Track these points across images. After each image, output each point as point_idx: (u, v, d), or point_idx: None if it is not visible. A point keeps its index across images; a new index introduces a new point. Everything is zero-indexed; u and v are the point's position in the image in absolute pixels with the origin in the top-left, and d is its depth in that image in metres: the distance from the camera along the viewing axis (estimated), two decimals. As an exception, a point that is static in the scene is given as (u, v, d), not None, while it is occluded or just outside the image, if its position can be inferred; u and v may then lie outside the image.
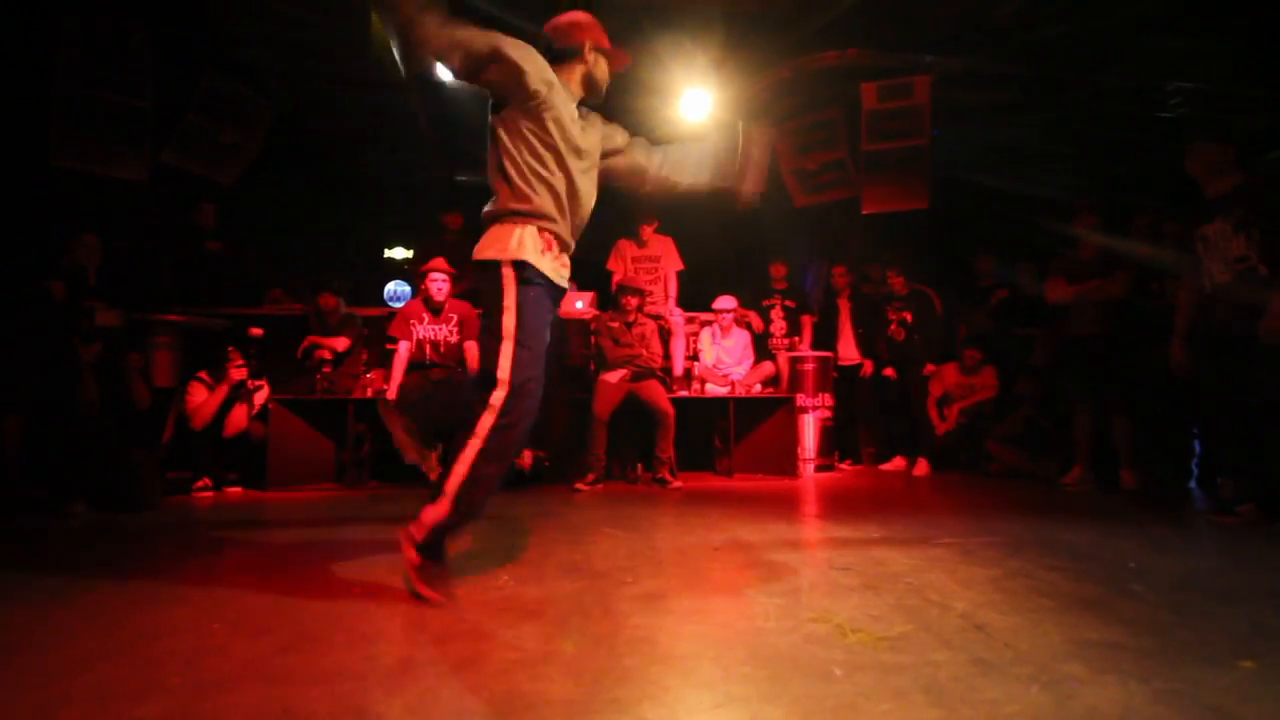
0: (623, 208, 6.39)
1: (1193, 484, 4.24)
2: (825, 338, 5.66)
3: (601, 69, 2.06)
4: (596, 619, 1.68)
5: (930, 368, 5.19)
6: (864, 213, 5.77)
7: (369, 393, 4.50)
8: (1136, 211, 4.45)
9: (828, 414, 5.27)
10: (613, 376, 4.50)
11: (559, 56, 2.00)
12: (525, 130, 1.91)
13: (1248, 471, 3.09)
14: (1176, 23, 4.48)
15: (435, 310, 4.58)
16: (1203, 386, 3.28)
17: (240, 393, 4.19)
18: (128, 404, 4.14)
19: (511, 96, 1.90)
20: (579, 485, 4.26)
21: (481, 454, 1.76)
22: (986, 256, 5.51)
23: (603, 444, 4.40)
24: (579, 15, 2.05)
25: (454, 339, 4.60)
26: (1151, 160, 5.48)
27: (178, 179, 5.28)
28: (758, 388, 5.11)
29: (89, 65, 4.68)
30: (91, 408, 3.86)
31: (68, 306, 4.08)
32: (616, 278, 5.45)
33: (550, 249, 1.93)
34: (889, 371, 5.31)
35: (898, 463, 5.23)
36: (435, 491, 1.80)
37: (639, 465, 4.80)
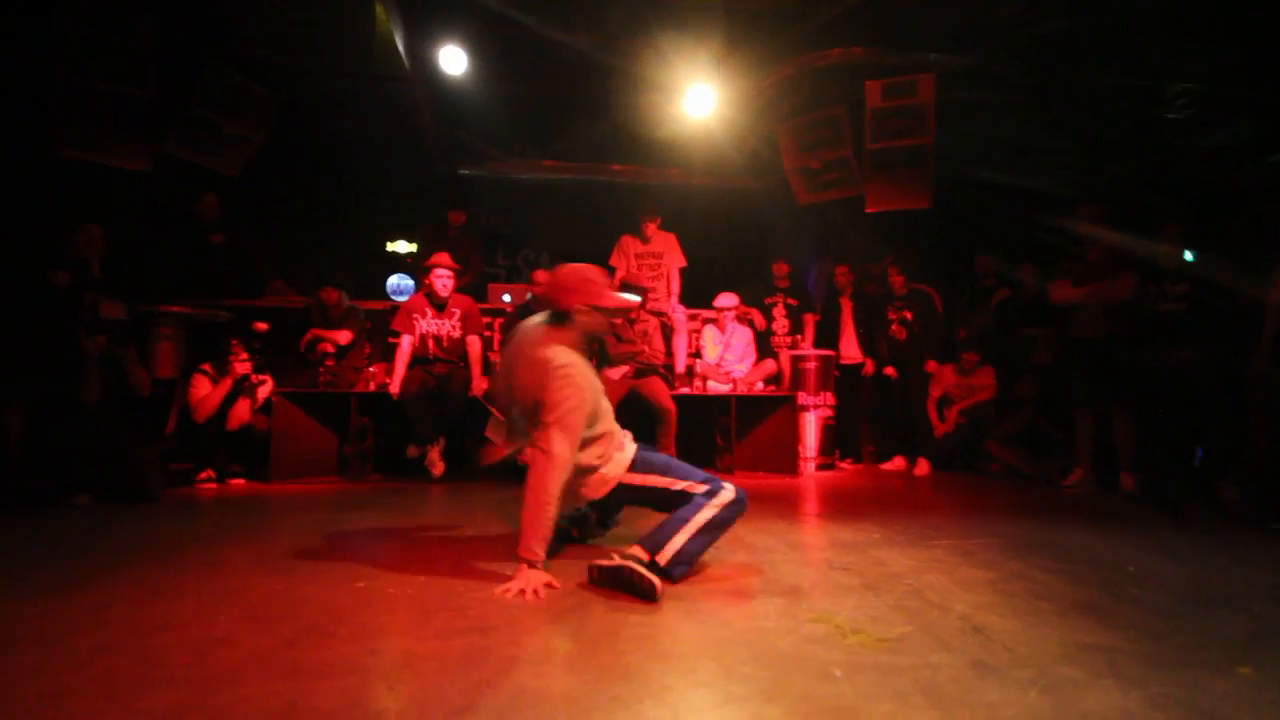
0: (625, 204, 6.40)
1: (1195, 488, 4.24)
2: (827, 336, 5.67)
3: (598, 320, 2.17)
4: (598, 616, 1.70)
5: (931, 365, 5.19)
6: (868, 211, 5.76)
7: (371, 386, 4.51)
8: (1159, 213, 4.40)
9: (829, 413, 5.28)
10: (615, 373, 4.51)
11: (558, 319, 2.14)
12: None
13: (1249, 477, 3.08)
14: (1178, 23, 4.47)
15: (439, 305, 4.58)
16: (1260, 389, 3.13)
17: (244, 386, 4.20)
18: (130, 395, 4.15)
19: None
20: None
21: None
22: (988, 256, 5.50)
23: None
24: (570, 279, 2.14)
25: (456, 334, 4.61)
26: (1156, 159, 5.48)
27: (181, 170, 5.28)
28: (760, 385, 5.11)
29: (93, 55, 4.67)
30: (94, 400, 3.86)
31: (71, 298, 4.09)
32: (619, 274, 5.45)
33: None
34: (889, 371, 5.32)
35: (898, 462, 5.24)
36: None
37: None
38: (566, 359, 2.02)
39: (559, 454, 1.95)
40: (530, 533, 1.93)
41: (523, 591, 1.84)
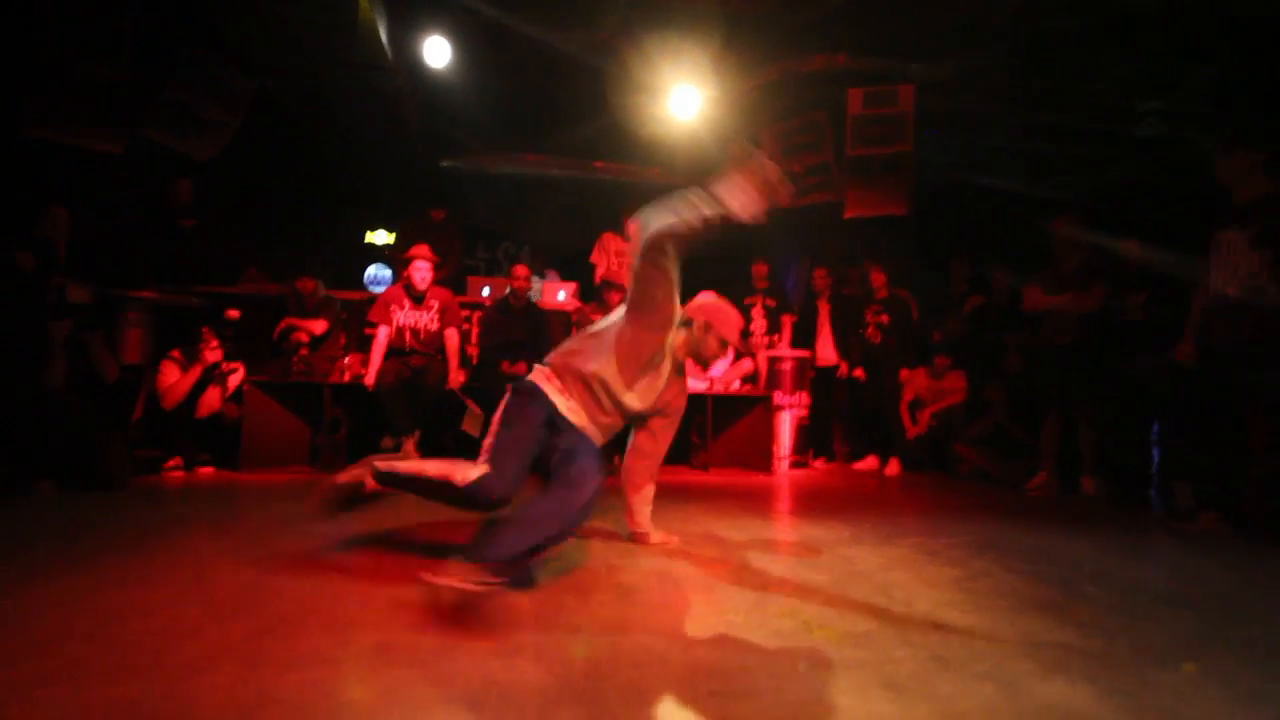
0: (607, 201, 6.41)
1: (1151, 491, 4.38)
2: (804, 338, 5.74)
3: (711, 341, 2.35)
4: (570, 609, 1.71)
5: (904, 373, 5.29)
6: (846, 217, 5.85)
7: (346, 377, 4.47)
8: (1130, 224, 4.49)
9: (804, 412, 5.35)
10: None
11: (684, 323, 2.36)
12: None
13: (1209, 480, 3.19)
14: (1155, 37, 4.59)
15: (417, 298, 4.56)
16: (1190, 392, 3.29)
17: (214, 375, 4.14)
18: (97, 381, 4.07)
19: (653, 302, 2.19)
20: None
21: None
22: (961, 261, 5.61)
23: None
24: (714, 304, 2.44)
25: (434, 326, 4.59)
26: (1134, 173, 5.62)
27: (153, 153, 5.17)
28: (736, 385, 5.16)
29: (70, 33, 4.55)
30: (59, 385, 3.78)
31: (36, 281, 3.99)
32: (600, 271, 5.46)
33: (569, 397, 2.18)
34: (859, 373, 5.38)
35: (870, 462, 5.33)
36: None
37: (615, 457, 4.81)
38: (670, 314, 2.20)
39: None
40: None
41: None
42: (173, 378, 4.07)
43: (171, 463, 4.02)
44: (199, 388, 4.09)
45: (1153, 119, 5.30)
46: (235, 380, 4.25)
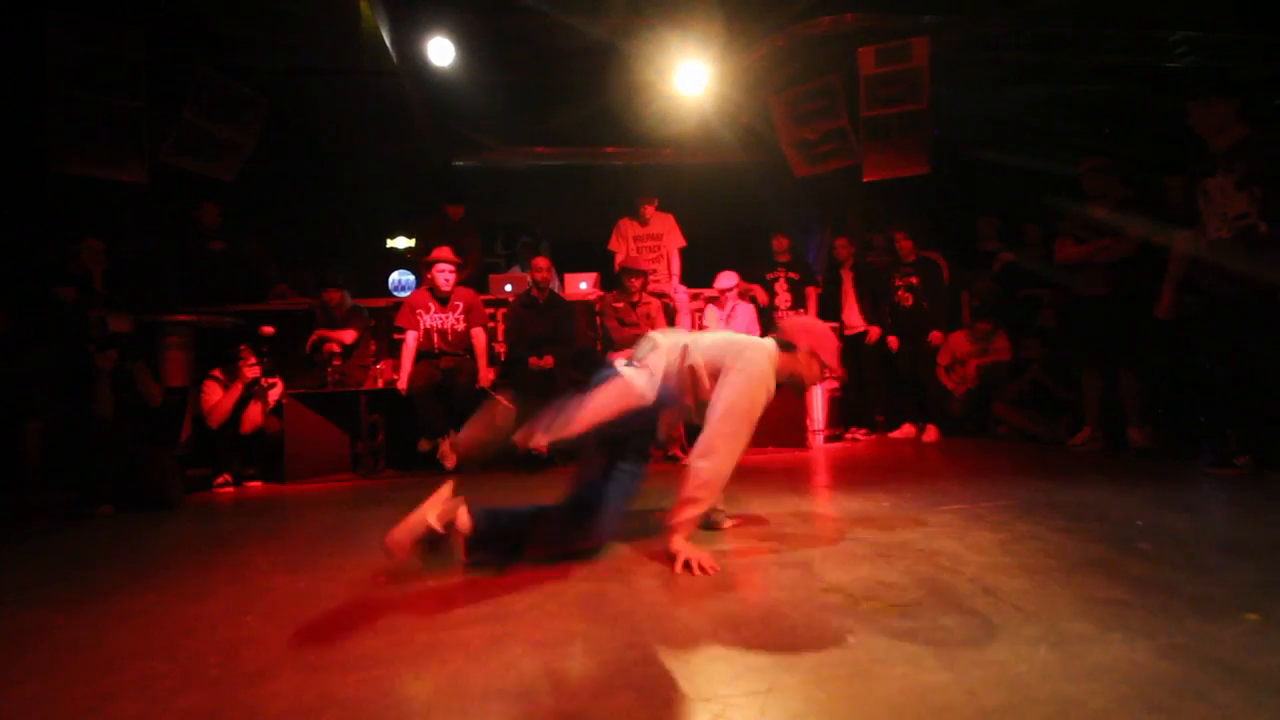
0: (621, 187, 6.38)
1: (1202, 440, 4.25)
2: (830, 308, 5.66)
3: (813, 365, 2.28)
4: (615, 598, 1.73)
5: (938, 336, 5.17)
6: (865, 180, 5.72)
7: (380, 383, 4.55)
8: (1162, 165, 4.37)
9: (836, 385, 5.28)
10: (620, 357, 4.52)
11: (785, 346, 2.28)
12: None
13: (1243, 425, 3.12)
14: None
15: (442, 300, 4.61)
16: (1200, 342, 3.34)
17: (255, 390, 4.25)
18: (143, 406, 4.21)
19: None
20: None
21: None
22: (989, 219, 5.46)
23: (614, 424, 4.43)
24: (818, 329, 2.34)
25: (460, 327, 4.64)
26: (1156, 126, 5.40)
27: (177, 179, 5.29)
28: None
29: (81, 68, 4.66)
30: (109, 413, 3.92)
31: (77, 313, 4.14)
32: (619, 258, 5.44)
33: None
34: (891, 340, 5.29)
35: (906, 430, 5.25)
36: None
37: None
38: (763, 368, 2.14)
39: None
40: (692, 512, 2.04)
41: (688, 564, 1.93)
42: (216, 397, 4.20)
43: (221, 479, 4.15)
44: (241, 404, 4.21)
45: (1183, 49, 5.07)
46: (275, 394, 4.36)
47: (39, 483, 3.95)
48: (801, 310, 5.61)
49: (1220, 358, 3.23)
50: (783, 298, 5.64)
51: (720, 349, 2.21)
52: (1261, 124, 3.11)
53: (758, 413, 2.13)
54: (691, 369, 2.20)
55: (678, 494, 2.06)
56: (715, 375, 2.18)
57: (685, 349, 2.23)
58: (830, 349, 2.30)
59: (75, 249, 4.47)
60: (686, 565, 1.91)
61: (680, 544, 1.99)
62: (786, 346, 2.27)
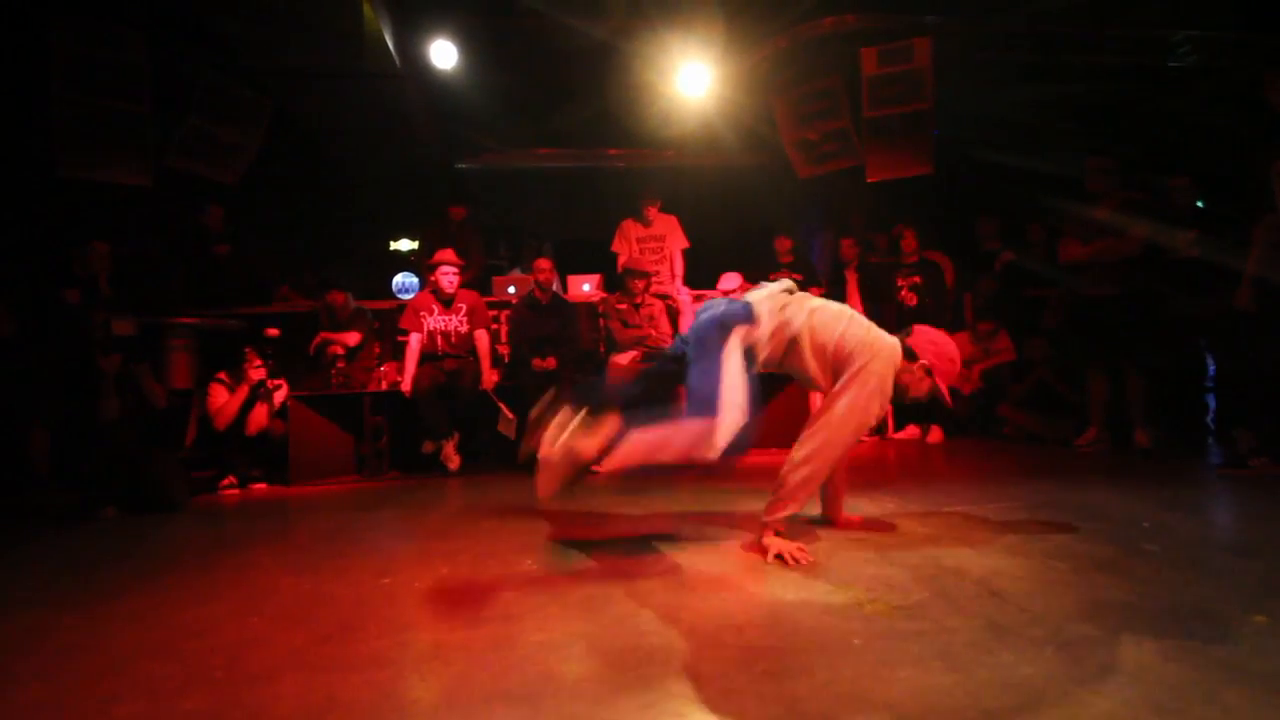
0: (624, 188, 6.38)
1: (1210, 440, 4.23)
2: (832, 309, 5.64)
3: (924, 380, 2.22)
4: (619, 599, 1.73)
5: (941, 337, 5.17)
6: (869, 181, 5.71)
7: (384, 385, 4.56)
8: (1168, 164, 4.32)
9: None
10: (623, 358, 4.53)
11: (909, 355, 2.23)
12: None
13: (1265, 424, 3.07)
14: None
15: (445, 302, 4.62)
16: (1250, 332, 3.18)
17: (260, 392, 4.26)
18: (148, 409, 4.22)
19: None
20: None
21: None
22: (990, 219, 5.45)
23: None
24: (946, 348, 2.27)
25: (464, 329, 4.64)
26: (1163, 111, 5.38)
27: (182, 182, 5.30)
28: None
29: (86, 71, 4.68)
30: (114, 416, 3.93)
31: (82, 316, 4.15)
32: (622, 259, 5.44)
33: None
34: None
35: (911, 431, 5.23)
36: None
37: None
38: (888, 379, 2.12)
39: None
40: (790, 509, 2.06)
41: (780, 556, 1.97)
42: (222, 399, 4.21)
43: (226, 481, 4.16)
44: (247, 406, 4.22)
45: (1186, 49, 5.05)
46: (280, 397, 4.37)
47: (44, 485, 3.97)
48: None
49: (1262, 354, 3.11)
50: (785, 299, 5.62)
51: (854, 340, 2.13)
52: None
53: (872, 422, 2.15)
54: (794, 340, 2.17)
55: (775, 490, 2.08)
56: (825, 354, 2.14)
57: (786, 323, 2.18)
58: (948, 375, 2.23)
59: (80, 252, 4.49)
60: (779, 557, 1.96)
61: (771, 538, 2.03)
62: (909, 355, 2.21)
